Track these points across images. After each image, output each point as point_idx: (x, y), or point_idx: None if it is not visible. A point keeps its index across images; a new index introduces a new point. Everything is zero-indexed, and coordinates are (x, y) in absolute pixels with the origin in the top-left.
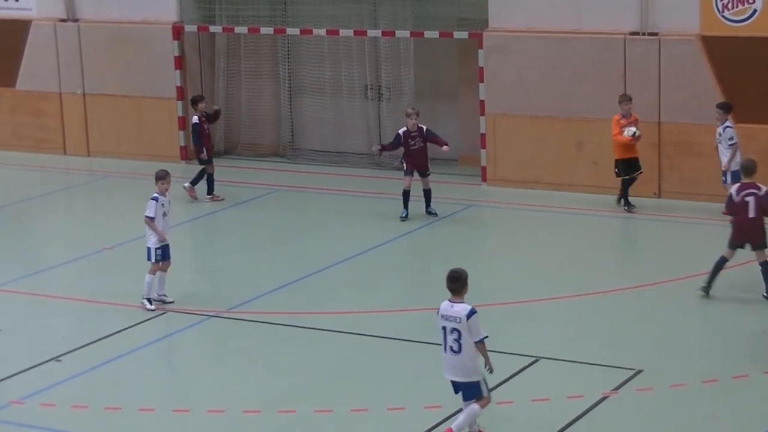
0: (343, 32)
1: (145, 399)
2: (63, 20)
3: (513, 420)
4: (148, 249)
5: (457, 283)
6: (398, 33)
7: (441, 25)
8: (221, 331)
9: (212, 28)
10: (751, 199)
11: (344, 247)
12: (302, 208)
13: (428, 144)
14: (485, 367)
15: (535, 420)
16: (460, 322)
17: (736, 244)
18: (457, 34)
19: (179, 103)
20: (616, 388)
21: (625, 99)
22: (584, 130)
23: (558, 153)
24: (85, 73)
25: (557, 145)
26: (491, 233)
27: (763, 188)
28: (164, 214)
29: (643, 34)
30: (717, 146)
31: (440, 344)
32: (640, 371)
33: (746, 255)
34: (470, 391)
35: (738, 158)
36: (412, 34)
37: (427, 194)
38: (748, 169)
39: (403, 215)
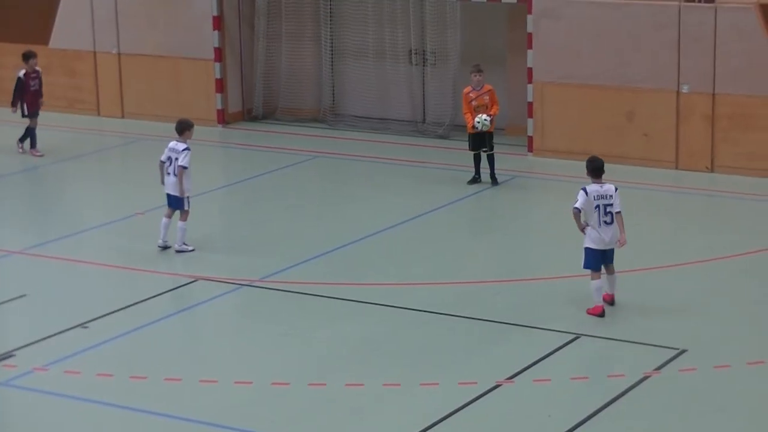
0: None
1: (172, 368)
2: None
3: (550, 398)
4: (186, 199)
5: (602, 168)
6: None
7: None
8: (253, 300)
9: None
10: None
11: (383, 216)
12: (342, 176)
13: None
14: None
15: (573, 399)
16: (611, 198)
17: None
18: None
19: (217, 64)
20: (659, 368)
21: (474, 70)
22: (635, 100)
23: (608, 123)
24: (121, 32)
25: (607, 115)
26: (536, 205)
27: None
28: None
29: (699, 0)
30: None
31: (478, 319)
32: (684, 351)
33: None
34: (612, 256)
35: None
36: None
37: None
38: None
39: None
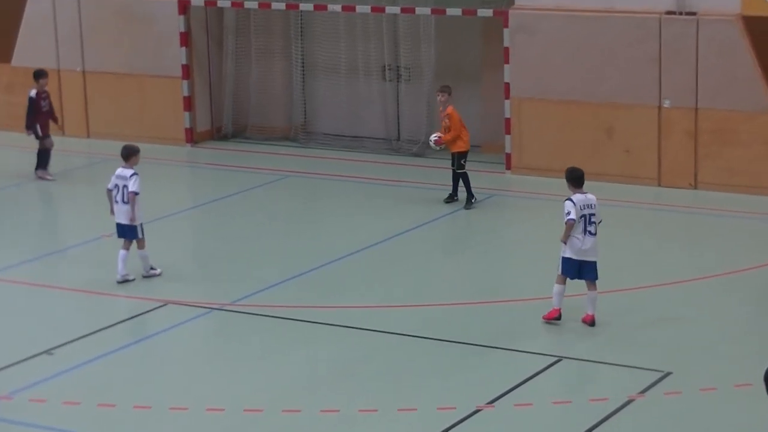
0: (359, 8)
1: (142, 396)
2: None
3: (532, 423)
4: (139, 226)
5: (583, 178)
6: (418, 10)
7: (464, 2)
8: (224, 324)
9: (220, 3)
10: None
11: (357, 237)
12: (315, 196)
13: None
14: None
15: (555, 423)
16: (594, 207)
17: None
18: (481, 12)
19: (185, 82)
20: (643, 391)
21: (438, 89)
22: (615, 116)
23: (587, 140)
24: (85, 49)
25: (586, 131)
26: (515, 224)
27: None
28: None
29: (680, 13)
30: None
31: (456, 341)
32: (668, 373)
33: None
34: (594, 271)
35: None
36: (433, 11)
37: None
38: None
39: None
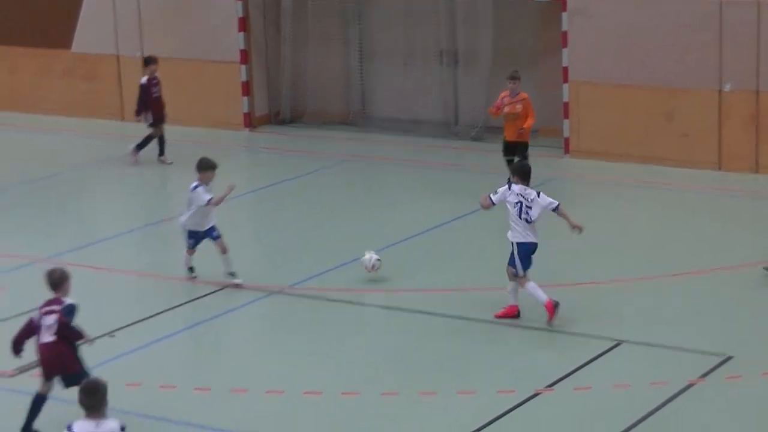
0: None
1: (201, 378)
2: None
3: (591, 406)
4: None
5: (530, 174)
6: None
7: None
8: (283, 308)
9: None
10: None
11: (416, 221)
12: (372, 180)
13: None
14: None
15: (614, 407)
16: (532, 200)
17: None
18: None
19: (243, 67)
20: (703, 375)
21: (509, 76)
22: (674, 100)
23: (646, 124)
24: (144, 35)
25: (645, 115)
26: (573, 209)
27: None
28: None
29: None
30: None
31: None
32: (729, 357)
33: None
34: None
35: None
36: None
37: None
38: None
39: None
